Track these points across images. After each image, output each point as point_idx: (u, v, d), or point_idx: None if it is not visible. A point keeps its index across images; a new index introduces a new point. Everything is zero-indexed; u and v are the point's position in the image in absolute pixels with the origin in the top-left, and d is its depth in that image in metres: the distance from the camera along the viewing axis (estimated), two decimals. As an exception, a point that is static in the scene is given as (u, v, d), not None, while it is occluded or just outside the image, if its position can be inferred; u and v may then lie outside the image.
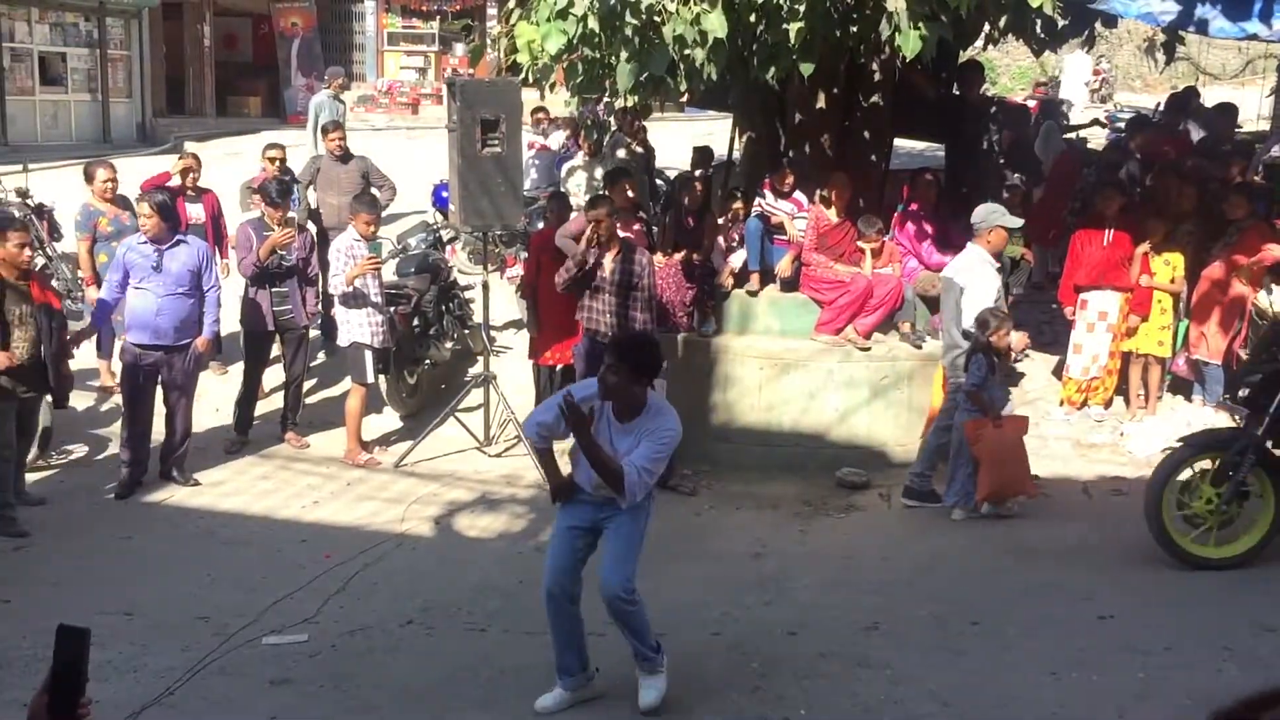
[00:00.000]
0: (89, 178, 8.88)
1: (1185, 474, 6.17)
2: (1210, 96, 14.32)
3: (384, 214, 9.39)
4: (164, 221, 7.53)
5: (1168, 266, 8.51)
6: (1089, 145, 13.17)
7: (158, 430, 7.81)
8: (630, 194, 8.81)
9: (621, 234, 7.97)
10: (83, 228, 8.79)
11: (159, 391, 7.73)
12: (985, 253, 7.41)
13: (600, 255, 7.62)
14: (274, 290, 8.34)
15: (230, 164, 14.13)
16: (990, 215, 7.45)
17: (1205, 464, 6.17)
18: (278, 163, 9.89)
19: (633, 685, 4.78)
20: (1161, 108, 13.38)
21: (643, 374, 4.51)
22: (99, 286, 8.11)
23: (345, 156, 10.13)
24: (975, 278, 7.34)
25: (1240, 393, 6.40)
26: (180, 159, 9.77)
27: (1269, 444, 6.08)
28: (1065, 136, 13.41)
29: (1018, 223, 7.40)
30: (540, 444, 4.82)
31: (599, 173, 10.76)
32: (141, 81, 22.63)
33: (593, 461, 4.47)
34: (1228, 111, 11.23)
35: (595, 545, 4.76)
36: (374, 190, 9.76)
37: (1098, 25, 9.36)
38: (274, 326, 8.41)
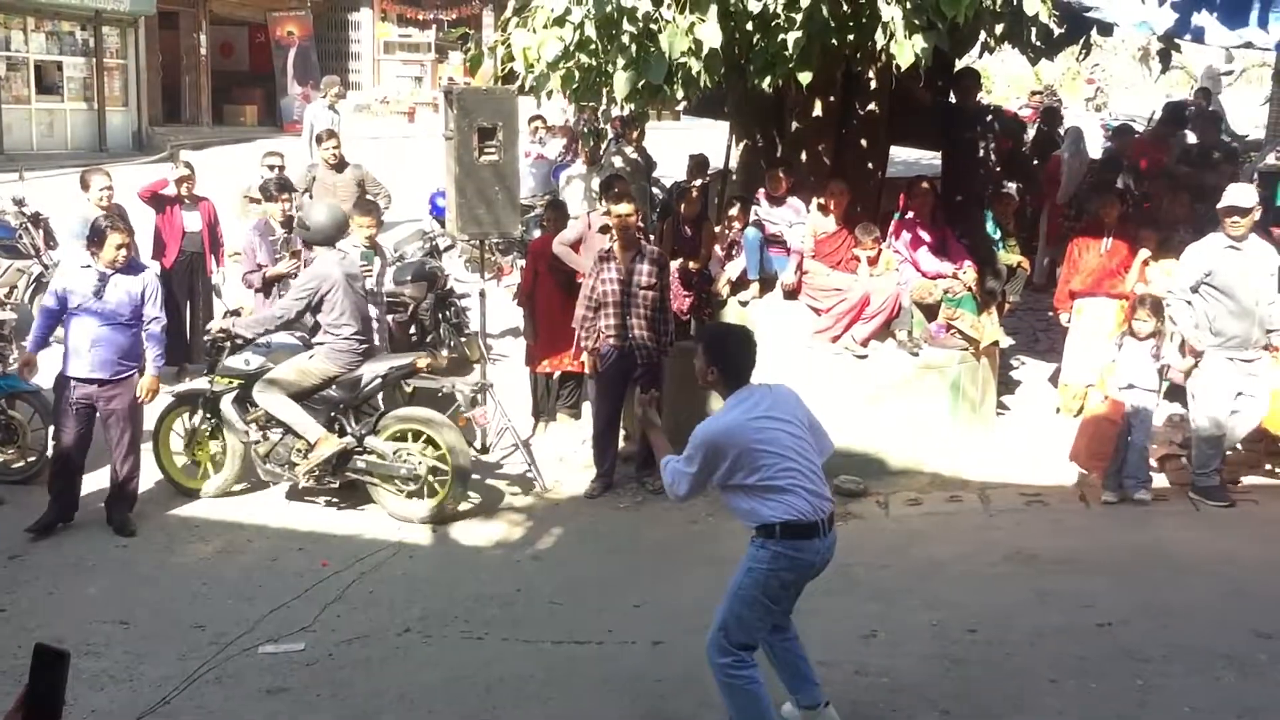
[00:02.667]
0: (85, 186, 8.86)
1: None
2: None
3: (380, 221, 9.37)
4: None
5: (1164, 274, 8.50)
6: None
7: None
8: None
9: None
10: (79, 236, 8.74)
11: (99, 430, 7.11)
12: (1222, 237, 7.16)
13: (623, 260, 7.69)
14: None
15: (227, 172, 14.12)
16: (1225, 196, 7.20)
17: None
18: (276, 169, 9.91)
19: None
20: (1157, 116, 13.40)
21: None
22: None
23: (340, 165, 10.14)
24: (1190, 260, 7.23)
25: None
26: (175, 168, 9.78)
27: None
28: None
29: (1239, 204, 7.05)
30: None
31: (596, 181, 10.77)
32: (137, 90, 22.69)
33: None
34: (1210, 118, 11.28)
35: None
36: (369, 198, 9.76)
37: (1093, 33, 9.36)
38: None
